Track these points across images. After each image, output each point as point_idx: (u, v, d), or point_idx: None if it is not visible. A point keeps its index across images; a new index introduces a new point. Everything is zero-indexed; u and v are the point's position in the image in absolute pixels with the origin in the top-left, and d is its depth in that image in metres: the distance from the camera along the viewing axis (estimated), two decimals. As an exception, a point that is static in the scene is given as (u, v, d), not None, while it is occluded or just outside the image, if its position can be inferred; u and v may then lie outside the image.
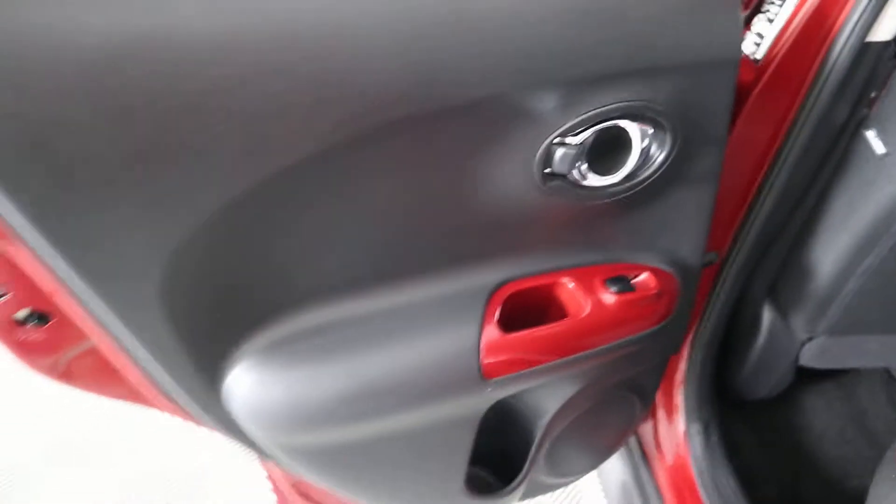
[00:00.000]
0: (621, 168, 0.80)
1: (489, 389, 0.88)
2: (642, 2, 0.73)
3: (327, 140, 0.66)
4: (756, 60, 1.01)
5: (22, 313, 0.76)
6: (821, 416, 1.55)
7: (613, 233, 0.90)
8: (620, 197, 0.83)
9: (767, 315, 1.30)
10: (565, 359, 0.90)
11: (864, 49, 0.93)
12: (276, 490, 1.24)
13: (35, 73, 0.53)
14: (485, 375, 0.86)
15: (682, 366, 1.29)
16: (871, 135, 1.03)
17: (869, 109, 1.03)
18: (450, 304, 0.86)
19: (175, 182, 0.62)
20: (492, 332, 0.85)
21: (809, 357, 1.31)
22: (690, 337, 1.27)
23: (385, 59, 0.64)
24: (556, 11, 0.69)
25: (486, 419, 0.97)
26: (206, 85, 0.59)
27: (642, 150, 0.79)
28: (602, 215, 0.87)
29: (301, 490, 1.15)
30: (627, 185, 0.82)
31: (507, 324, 0.87)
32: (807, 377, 1.57)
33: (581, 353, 0.93)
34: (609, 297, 0.90)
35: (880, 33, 0.91)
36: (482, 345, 0.84)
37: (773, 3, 0.98)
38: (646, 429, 1.44)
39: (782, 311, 1.27)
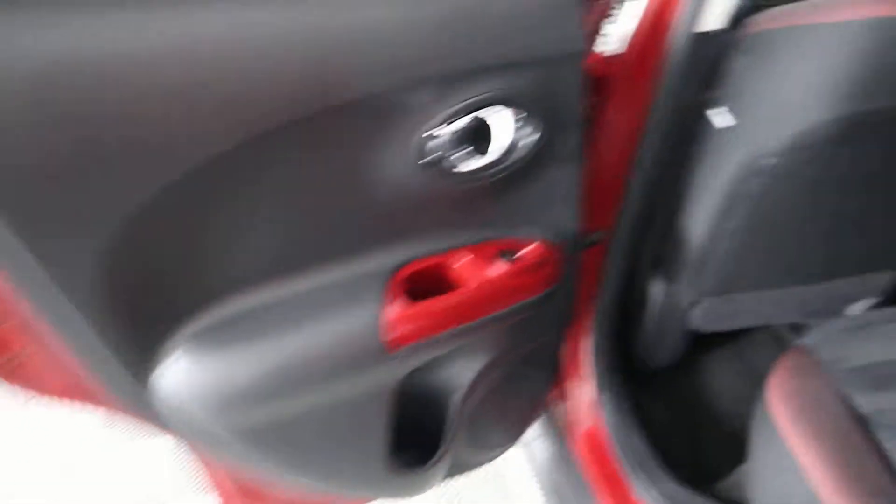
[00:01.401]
0: (491, 153, 0.92)
1: (395, 361, 0.97)
2: (497, 7, 0.85)
3: (231, 142, 0.76)
4: (611, 55, 1.15)
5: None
6: (718, 377, 1.69)
7: (498, 211, 1.01)
8: (497, 178, 0.94)
9: (656, 285, 1.43)
10: (461, 326, 1.00)
11: (696, 39, 1.07)
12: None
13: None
14: (388, 348, 0.95)
15: (589, 339, 1.41)
16: (712, 112, 1.17)
17: (713, 89, 1.18)
18: (354, 286, 0.95)
19: (101, 180, 0.71)
20: (392, 308, 0.95)
21: (697, 320, 1.44)
22: (593, 312, 1.39)
23: (273, 69, 0.75)
24: (422, 17, 0.81)
25: (406, 398, 1.06)
26: (124, 97, 0.69)
27: (513, 135, 0.91)
28: (486, 196, 0.98)
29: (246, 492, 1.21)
30: (500, 167, 0.93)
31: (409, 301, 0.97)
32: (705, 344, 1.71)
33: (476, 321, 1.03)
34: (497, 267, 1.01)
35: (707, 24, 1.06)
36: (384, 320, 0.94)
37: (616, 7, 1.12)
38: (562, 403, 1.55)
39: (668, 279, 1.41)
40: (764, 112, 1.13)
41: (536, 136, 0.92)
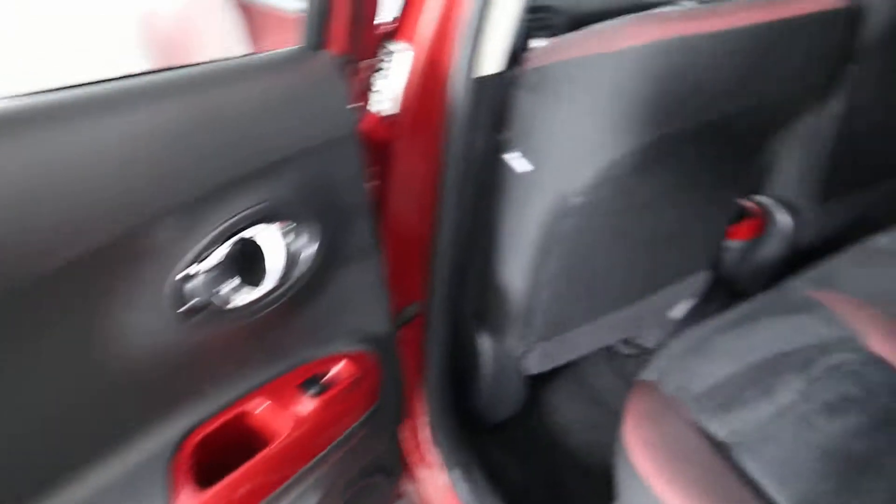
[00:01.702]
0: (268, 277, 0.73)
1: None
2: (237, 105, 0.66)
3: None
4: (388, 115, 1.00)
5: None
6: (563, 409, 1.63)
7: (292, 337, 0.83)
8: (282, 303, 0.76)
9: (485, 341, 1.32)
10: (277, 490, 0.80)
11: (477, 83, 0.96)
12: None
13: None
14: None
15: (424, 422, 1.27)
16: (510, 157, 1.07)
17: (505, 134, 1.08)
18: (131, 483, 0.72)
19: None
20: (186, 497, 0.73)
21: (532, 365, 1.35)
22: (423, 393, 1.24)
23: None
24: (147, 143, 0.61)
25: None
26: None
27: (288, 250, 0.73)
28: (274, 325, 0.79)
29: None
30: (281, 290, 0.74)
31: (207, 474, 0.76)
32: (545, 379, 1.64)
33: (301, 470, 0.84)
34: (307, 403, 0.82)
35: (485, 69, 0.95)
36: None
37: (384, 61, 0.97)
38: (416, 494, 1.40)
39: (497, 334, 1.30)
40: (562, 150, 1.04)
41: (316, 242, 0.75)
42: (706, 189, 1.33)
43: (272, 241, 0.71)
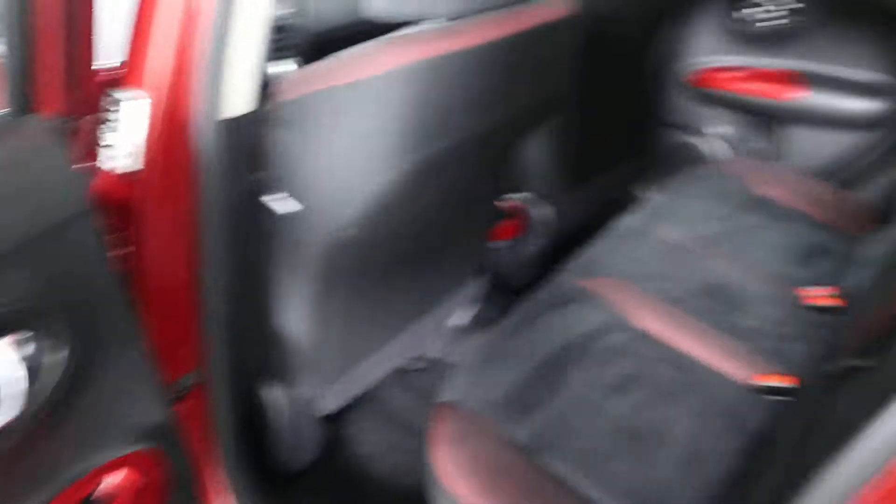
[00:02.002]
0: (5, 405, 0.59)
1: None
2: None
3: None
4: (129, 172, 0.88)
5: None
6: (367, 440, 1.58)
7: (54, 456, 0.69)
8: (34, 424, 0.63)
9: (275, 394, 1.24)
10: None
11: (225, 126, 0.87)
12: None
13: None
14: None
15: (223, 491, 1.15)
16: (273, 199, 1.00)
17: (265, 176, 1.00)
18: None
19: None
20: None
21: (327, 406, 1.30)
22: (217, 462, 1.13)
23: None
24: None
25: None
26: None
27: (28, 366, 0.60)
28: (25, 451, 0.65)
29: None
30: (30, 413, 0.61)
31: None
32: (342, 414, 1.58)
33: None
34: None
35: (227, 111, 0.87)
36: None
37: (110, 113, 0.85)
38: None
39: (286, 384, 1.22)
40: (328, 184, 1.00)
41: (65, 344, 0.63)
42: (468, 198, 1.36)
43: (4, 360, 0.58)
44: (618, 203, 2.26)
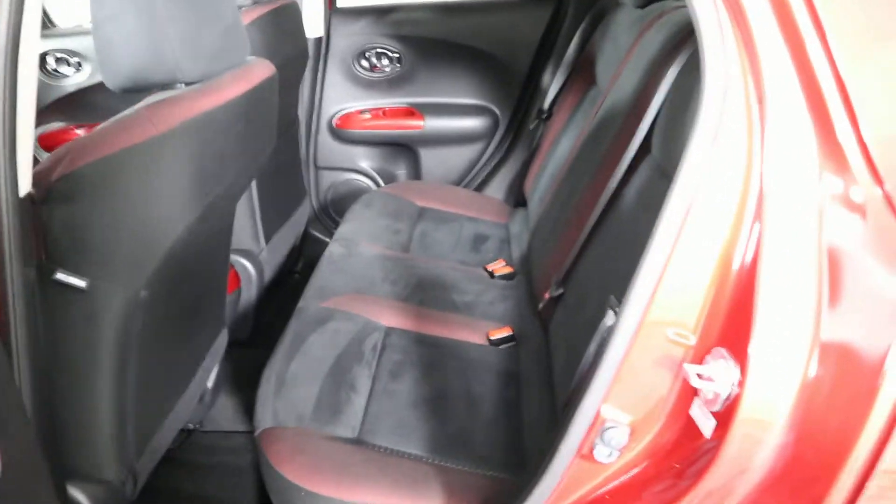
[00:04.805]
0: None
1: None
2: None
3: None
4: None
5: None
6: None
7: None
8: None
9: (84, 491, 1.12)
10: None
11: (24, 204, 0.84)
12: None
13: None
14: None
15: None
16: (62, 276, 0.97)
17: (54, 255, 0.96)
18: None
19: None
20: None
21: (130, 492, 1.24)
22: None
23: None
24: None
25: None
26: None
27: None
28: None
29: None
30: None
31: None
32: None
33: None
34: None
35: (23, 188, 0.84)
36: None
37: None
38: None
39: (90, 478, 1.12)
40: (121, 250, 1.00)
41: None
42: (217, 252, 1.43)
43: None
44: (299, 247, 2.46)
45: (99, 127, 0.97)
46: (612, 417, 0.83)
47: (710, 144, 0.74)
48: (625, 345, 0.80)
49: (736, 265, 0.75)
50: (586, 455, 0.85)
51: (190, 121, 0.99)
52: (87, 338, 1.02)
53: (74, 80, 2.28)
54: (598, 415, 0.83)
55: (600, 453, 0.84)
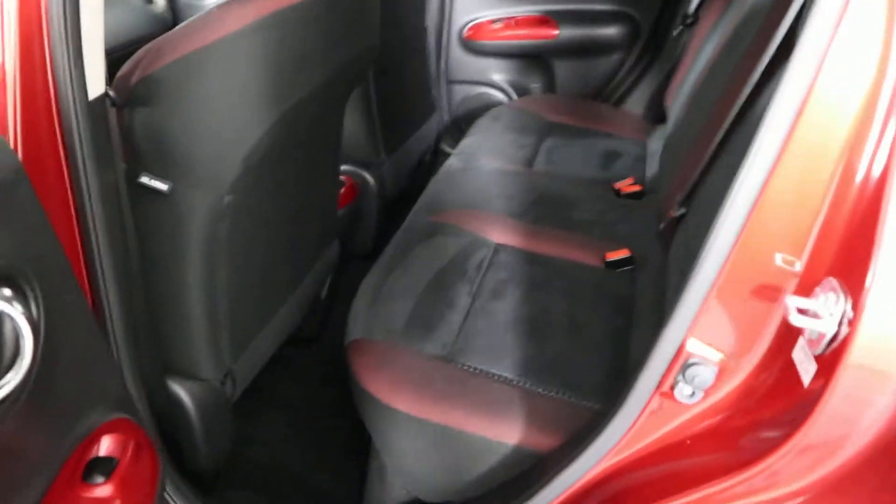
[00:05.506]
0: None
1: None
2: None
3: None
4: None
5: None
6: (264, 430, 1.57)
7: (48, 427, 0.66)
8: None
9: (180, 390, 1.18)
10: None
11: (90, 108, 0.85)
12: None
13: None
14: None
15: None
16: (148, 180, 0.99)
17: (138, 157, 0.98)
18: None
19: None
20: None
21: (237, 387, 1.29)
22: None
23: None
24: None
25: None
26: None
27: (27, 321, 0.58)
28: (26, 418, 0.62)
29: None
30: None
31: None
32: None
33: None
34: (104, 490, 0.68)
35: (94, 90, 0.85)
36: None
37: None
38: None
39: (189, 375, 1.18)
40: (201, 153, 1.00)
41: (39, 312, 0.61)
42: (319, 161, 1.42)
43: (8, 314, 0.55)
44: (430, 161, 2.42)
45: (174, 28, 0.96)
46: (699, 353, 0.71)
47: (836, 15, 0.58)
48: (716, 268, 0.68)
49: (860, 176, 0.60)
50: (666, 393, 0.75)
51: (263, 19, 0.95)
52: (174, 240, 1.04)
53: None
54: (682, 348, 0.72)
55: (681, 392, 0.73)
